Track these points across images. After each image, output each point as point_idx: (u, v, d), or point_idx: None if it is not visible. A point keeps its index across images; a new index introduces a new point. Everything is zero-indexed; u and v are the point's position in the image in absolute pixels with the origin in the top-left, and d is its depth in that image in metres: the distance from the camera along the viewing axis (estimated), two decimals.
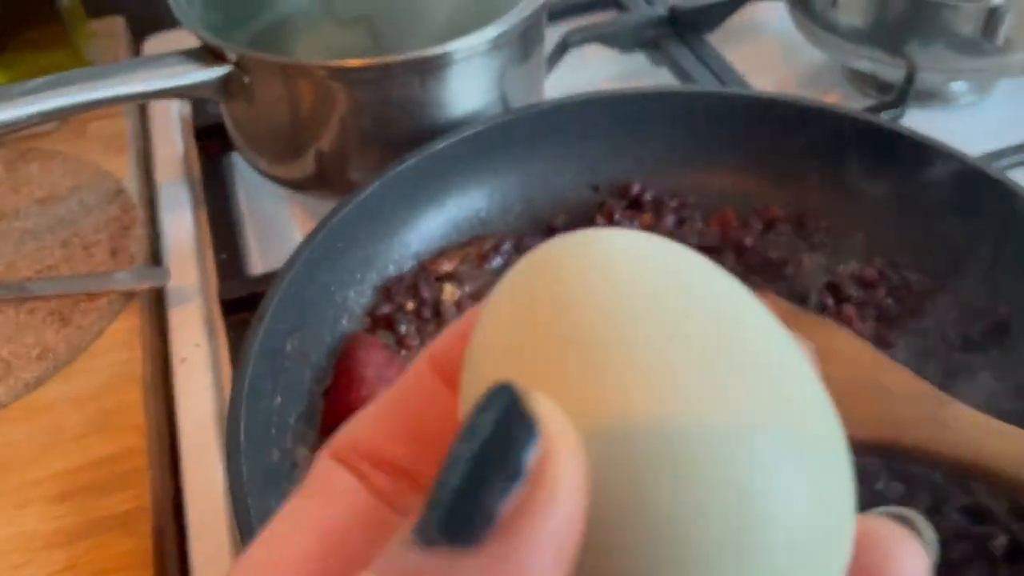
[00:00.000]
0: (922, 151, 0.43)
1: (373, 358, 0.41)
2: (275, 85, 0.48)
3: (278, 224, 0.56)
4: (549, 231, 0.50)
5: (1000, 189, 0.41)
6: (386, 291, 0.46)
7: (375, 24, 0.60)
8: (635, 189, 0.50)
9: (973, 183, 0.42)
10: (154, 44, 0.71)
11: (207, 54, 0.48)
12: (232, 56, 0.47)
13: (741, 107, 0.48)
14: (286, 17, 0.59)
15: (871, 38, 0.57)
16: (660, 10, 0.67)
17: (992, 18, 0.51)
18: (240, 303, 0.48)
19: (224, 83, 0.48)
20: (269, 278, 0.47)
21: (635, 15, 0.67)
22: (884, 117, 0.56)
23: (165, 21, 0.57)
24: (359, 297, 0.45)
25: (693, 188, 0.50)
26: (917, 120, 0.61)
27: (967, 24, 0.53)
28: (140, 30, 0.72)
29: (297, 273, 0.40)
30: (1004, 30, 0.52)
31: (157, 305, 0.52)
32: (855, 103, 0.63)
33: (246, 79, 0.48)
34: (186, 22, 0.48)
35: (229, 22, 0.54)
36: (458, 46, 0.47)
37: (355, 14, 0.60)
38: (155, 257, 0.54)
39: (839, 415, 0.15)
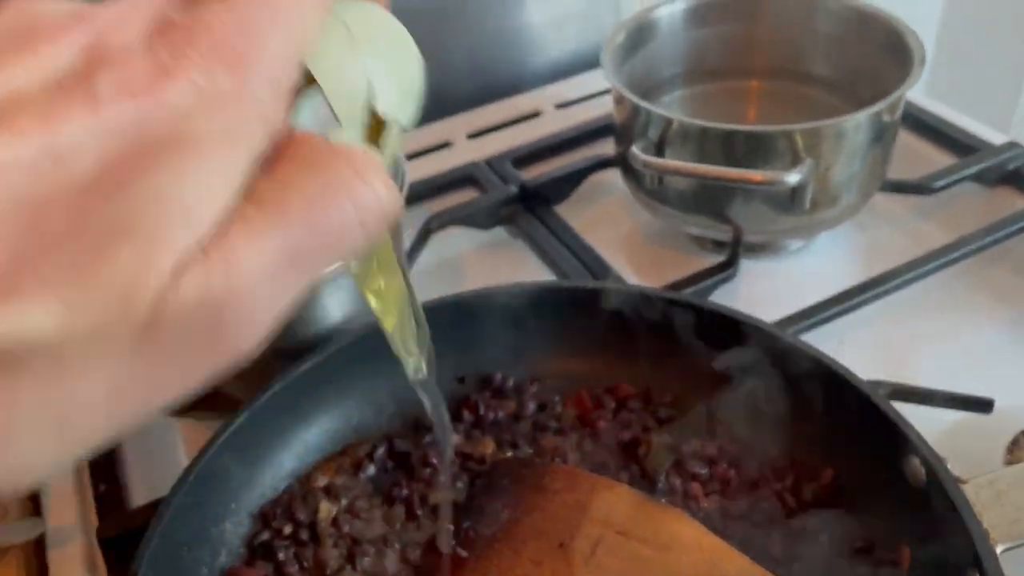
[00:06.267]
0: (730, 324, 0.48)
1: None
2: None
3: (158, 447, 0.57)
4: (419, 429, 0.52)
5: (798, 356, 0.46)
6: (263, 516, 0.47)
7: None
8: (497, 378, 0.53)
9: (780, 353, 0.47)
10: None
11: None
12: None
13: (579, 297, 0.52)
14: None
15: (697, 207, 0.63)
16: (513, 188, 0.72)
17: (797, 191, 0.58)
18: (120, 540, 0.48)
19: None
20: (150, 509, 0.48)
21: (490, 196, 0.72)
22: (715, 279, 0.62)
23: None
24: (237, 527, 0.46)
25: (550, 372, 0.54)
26: (752, 272, 0.67)
27: (778, 196, 0.59)
28: None
29: (169, 522, 0.41)
30: (808, 197, 0.58)
31: (37, 545, 0.52)
32: (695, 258, 0.69)
33: None
34: None
35: None
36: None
37: None
38: (32, 496, 0.54)
39: None
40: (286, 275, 0.18)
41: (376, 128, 0.23)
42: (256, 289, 0.18)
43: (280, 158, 0.19)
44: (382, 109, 0.23)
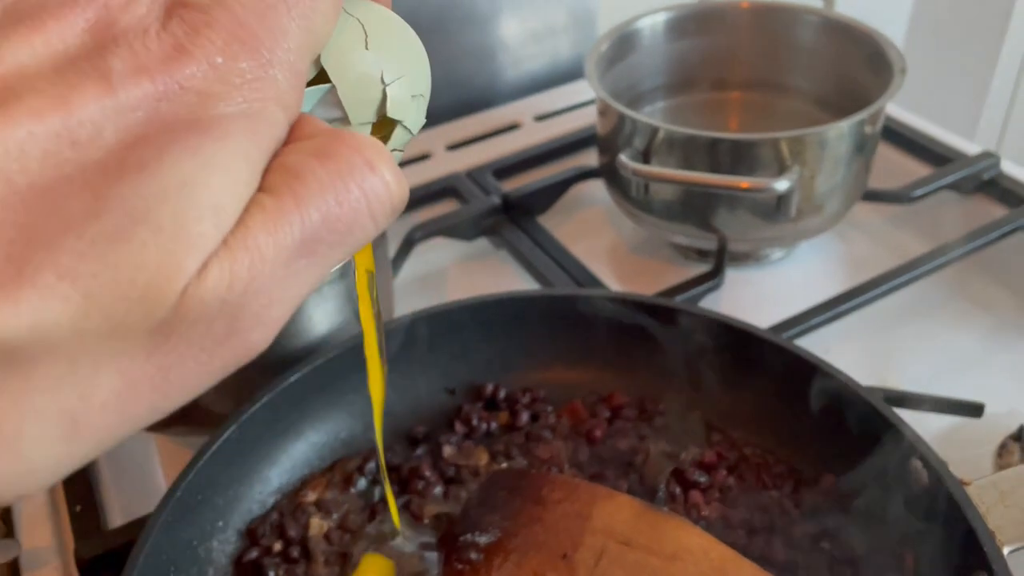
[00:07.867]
0: (722, 329, 0.48)
1: None
2: None
3: (134, 466, 0.55)
4: (411, 441, 0.51)
5: (796, 363, 0.45)
6: (251, 533, 0.45)
7: None
8: (489, 389, 0.52)
9: (777, 360, 0.46)
10: None
11: None
12: None
13: (569, 306, 0.52)
14: None
15: (682, 216, 0.62)
16: (495, 199, 0.72)
17: (783, 199, 0.58)
18: (99, 562, 0.46)
19: None
20: (129, 529, 0.46)
21: (473, 207, 0.71)
22: (702, 288, 0.61)
23: None
24: (223, 545, 0.45)
25: (542, 383, 0.53)
26: (736, 281, 0.67)
27: (764, 204, 0.59)
28: None
29: (155, 540, 0.40)
30: (794, 205, 0.59)
31: (11, 568, 0.49)
32: (678, 267, 0.69)
33: None
34: None
35: None
36: None
37: None
38: (5, 517, 0.52)
39: None
40: (301, 268, 0.18)
41: (381, 127, 0.23)
42: (274, 283, 0.17)
43: (288, 144, 0.18)
44: (391, 109, 0.23)
